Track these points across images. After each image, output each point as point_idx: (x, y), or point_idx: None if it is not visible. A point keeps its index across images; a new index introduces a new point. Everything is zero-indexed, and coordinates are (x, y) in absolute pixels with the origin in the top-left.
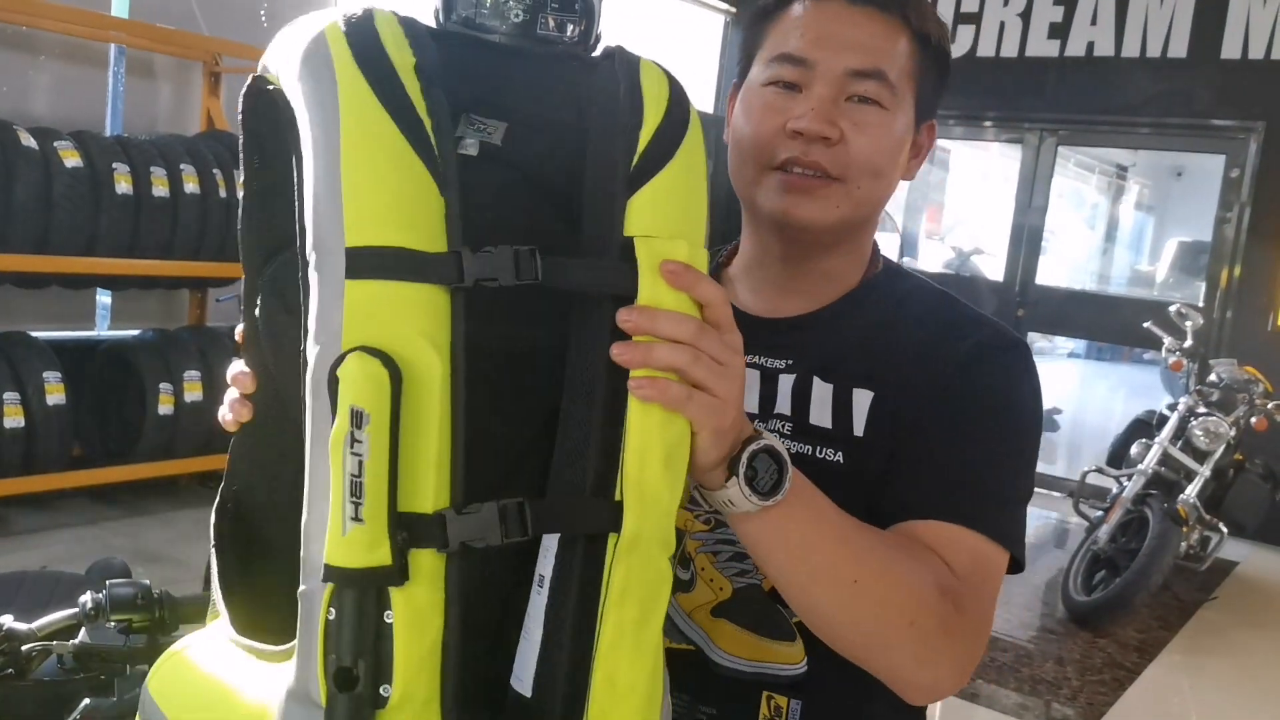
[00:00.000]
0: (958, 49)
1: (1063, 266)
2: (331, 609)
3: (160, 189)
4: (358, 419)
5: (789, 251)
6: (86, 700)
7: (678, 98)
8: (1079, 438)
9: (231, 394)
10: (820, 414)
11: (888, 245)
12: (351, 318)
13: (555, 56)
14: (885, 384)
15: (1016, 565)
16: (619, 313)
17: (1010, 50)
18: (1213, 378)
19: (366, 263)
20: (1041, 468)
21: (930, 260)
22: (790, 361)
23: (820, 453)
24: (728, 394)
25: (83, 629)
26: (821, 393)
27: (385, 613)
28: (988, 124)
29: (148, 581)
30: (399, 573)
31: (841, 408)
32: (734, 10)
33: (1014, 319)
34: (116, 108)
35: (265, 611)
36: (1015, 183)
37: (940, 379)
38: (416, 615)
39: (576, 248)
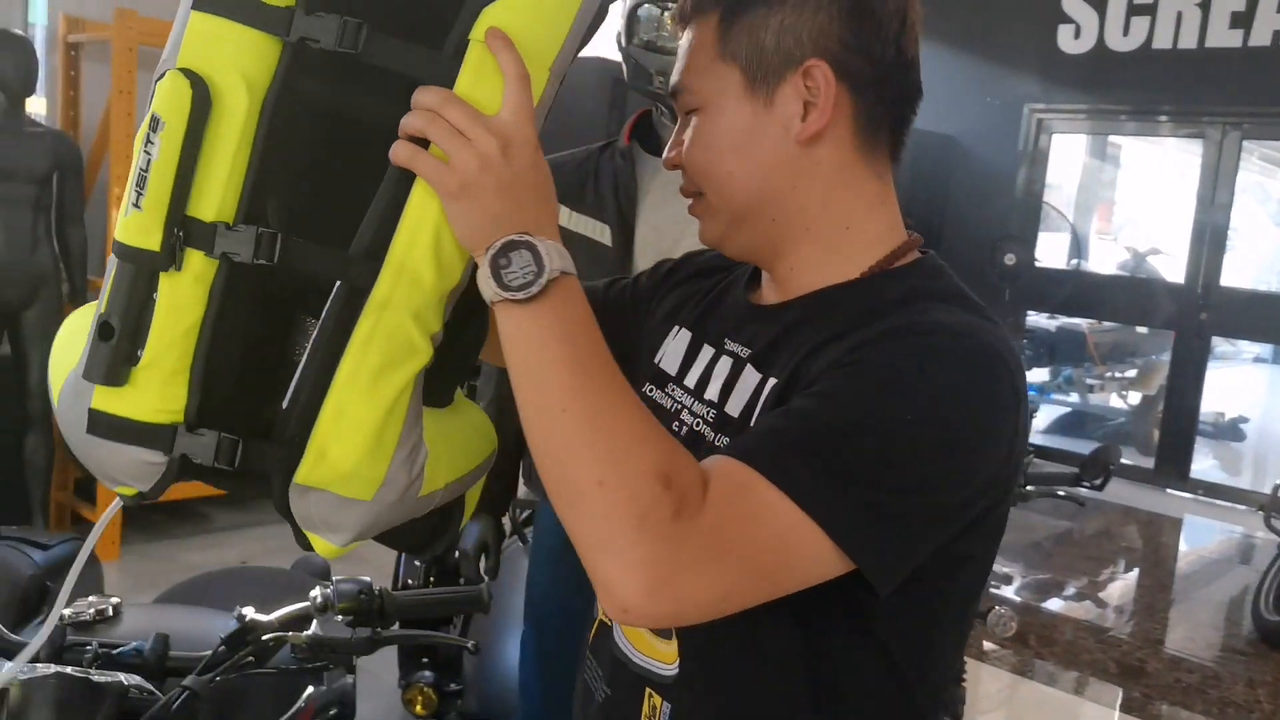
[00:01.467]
0: (1130, 42)
1: (1248, 267)
2: (114, 277)
3: None
4: (155, 124)
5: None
6: (310, 688)
7: None
8: (1266, 448)
9: None
10: (736, 403)
11: (1055, 245)
12: (188, 44)
13: None
14: (785, 370)
15: (872, 582)
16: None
17: (1189, 42)
18: None
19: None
20: (1225, 479)
21: (1103, 261)
22: (751, 350)
23: (718, 440)
24: (462, 163)
25: (314, 621)
26: (747, 382)
27: (154, 293)
28: (1163, 119)
29: (368, 578)
30: (165, 259)
31: (753, 398)
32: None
33: (1196, 322)
34: None
35: None
36: (1195, 179)
37: (835, 358)
38: (176, 300)
39: (427, 38)
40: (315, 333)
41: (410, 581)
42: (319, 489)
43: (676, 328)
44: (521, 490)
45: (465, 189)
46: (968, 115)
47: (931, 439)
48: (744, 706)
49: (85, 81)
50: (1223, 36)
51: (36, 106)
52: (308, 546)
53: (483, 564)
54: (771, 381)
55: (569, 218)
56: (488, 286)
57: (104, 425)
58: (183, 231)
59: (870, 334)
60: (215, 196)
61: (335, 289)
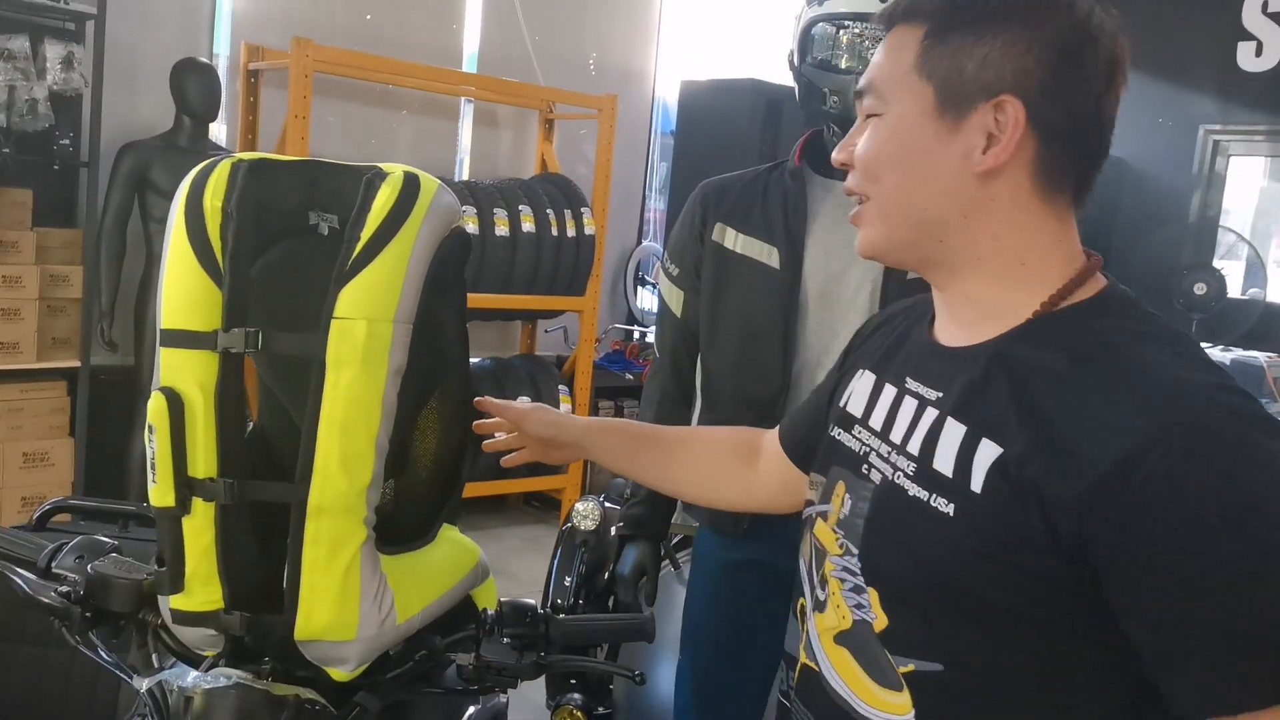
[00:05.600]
0: None
1: None
2: (158, 527)
3: (501, 229)
4: (150, 431)
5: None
6: (471, 709)
7: (398, 208)
8: None
9: None
10: (944, 459)
11: (1231, 272)
12: (164, 370)
13: (349, 171)
14: (1015, 444)
15: None
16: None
17: None
18: None
19: (167, 338)
20: None
21: None
22: (940, 395)
23: (934, 501)
24: None
25: (481, 643)
26: (952, 435)
27: (181, 530)
28: None
29: (533, 601)
30: (180, 508)
31: (965, 455)
32: None
33: None
34: (463, 155)
35: None
36: None
37: (1101, 476)
38: (196, 531)
39: (309, 324)
40: (289, 540)
41: (559, 601)
42: (315, 640)
43: (860, 371)
44: (677, 515)
45: None
46: (1139, 138)
47: None
48: None
49: (263, 106)
50: None
51: (216, 130)
52: (327, 676)
53: (641, 588)
54: (990, 446)
55: (735, 239)
56: None
57: (179, 616)
58: (187, 489)
59: (1165, 459)
60: (200, 462)
61: (292, 507)
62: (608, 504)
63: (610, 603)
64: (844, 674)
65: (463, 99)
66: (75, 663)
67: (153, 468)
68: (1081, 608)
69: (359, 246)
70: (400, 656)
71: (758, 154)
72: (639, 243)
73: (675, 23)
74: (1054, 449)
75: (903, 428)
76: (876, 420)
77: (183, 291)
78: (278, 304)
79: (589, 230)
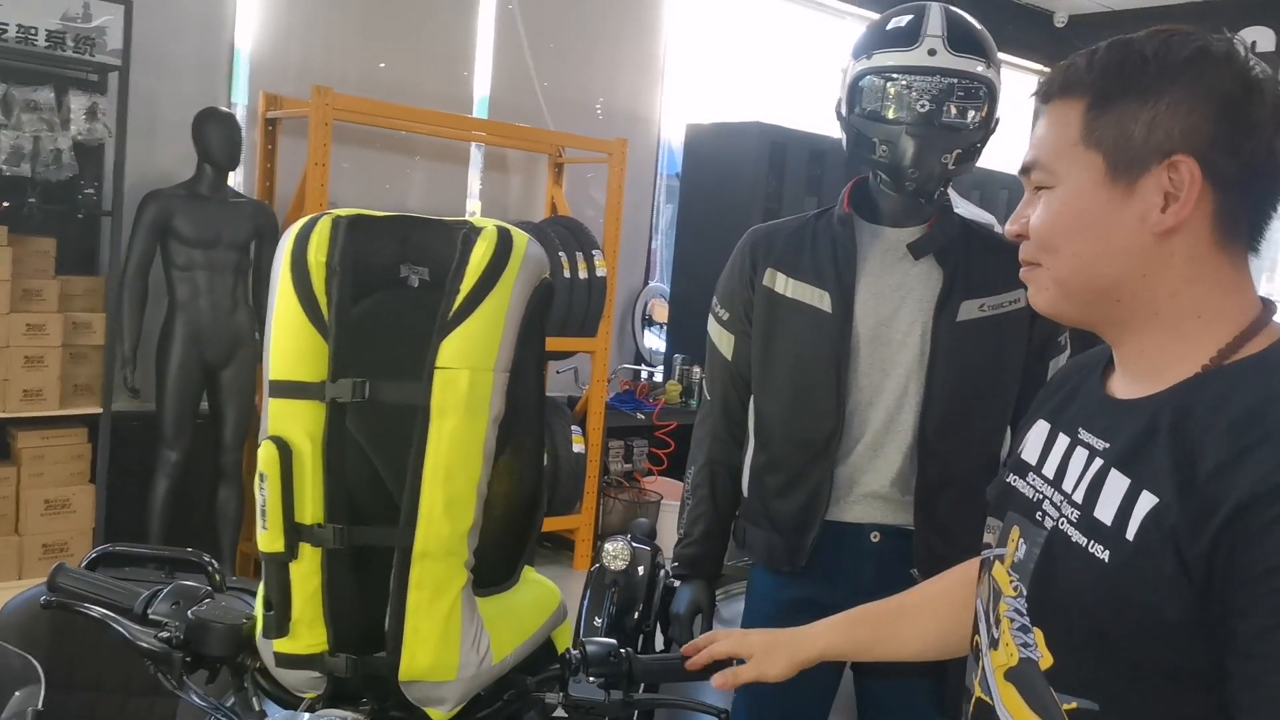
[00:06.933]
0: None
1: None
2: (265, 571)
3: None
4: (261, 479)
5: (1095, 333)
6: None
7: (495, 262)
8: None
9: None
10: (1105, 508)
11: None
12: (272, 419)
13: (440, 227)
14: (1166, 491)
15: None
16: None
17: None
18: None
19: (276, 389)
20: None
21: None
22: (1107, 446)
23: (1091, 547)
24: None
25: (569, 681)
26: (1115, 485)
27: (288, 575)
28: None
29: (614, 641)
30: (289, 554)
31: (1125, 506)
32: (1049, 72)
33: None
34: (474, 199)
35: None
36: None
37: (1229, 513)
38: (303, 576)
39: (412, 374)
40: (391, 583)
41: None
42: (417, 681)
43: (1038, 421)
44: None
45: None
46: None
47: None
48: None
49: (280, 153)
50: None
51: (235, 177)
52: (423, 716)
53: (696, 627)
54: (1148, 497)
55: (786, 284)
56: None
57: (284, 659)
58: (295, 535)
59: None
60: (308, 509)
61: (396, 551)
62: (635, 544)
63: (640, 642)
64: (1013, 710)
65: (473, 144)
66: (180, 710)
67: (263, 515)
68: (1205, 649)
69: (459, 299)
70: (490, 696)
71: (763, 195)
72: (646, 283)
73: (679, 67)
74: (1197, 493)
75: (1073, 477)
76: (1049, 469)
77: (290, 344)
78: (376, 354)
79: (600, 272)
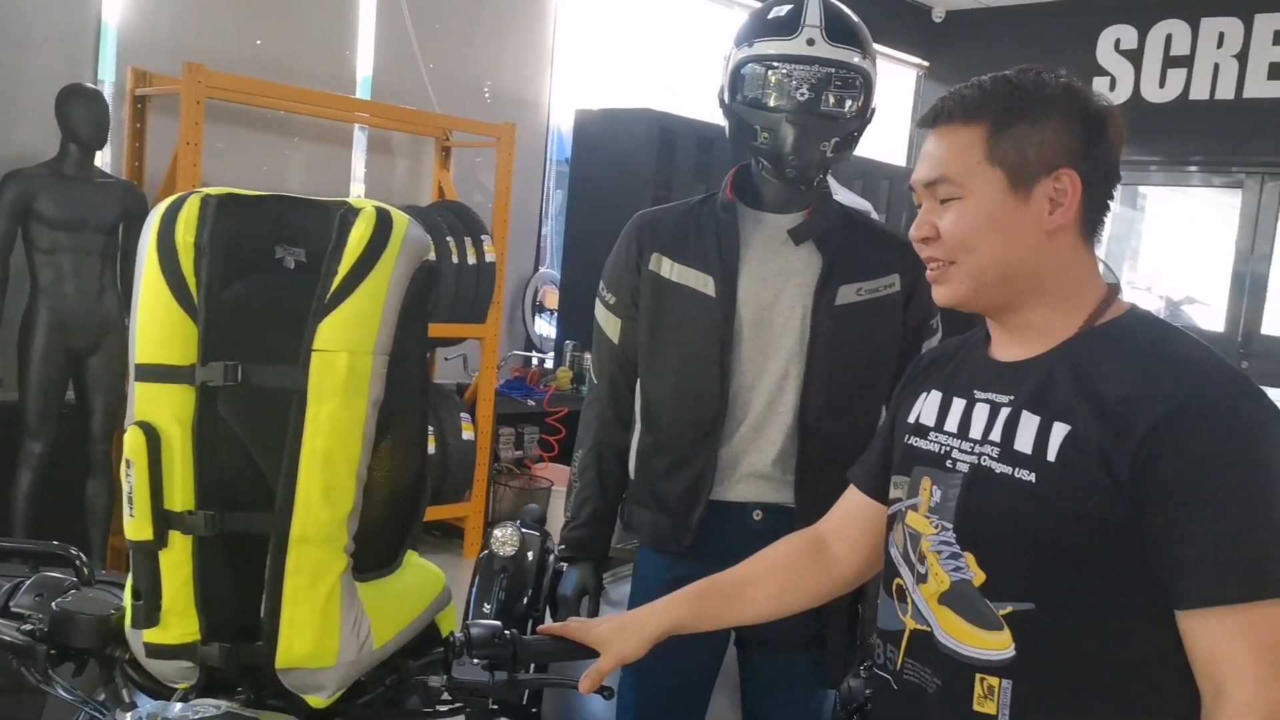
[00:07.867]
0: (1167, 94)
1: None
2: (132, 560)
3: None
4: (128, 465)
5: (986, 314)
6: None
7: (374, 243)
8: None
9: None
10: (1023, 441)
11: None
12: (139, 404)
13: (317, 207)
14: (1079, 420)
15: None
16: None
17: (1226, 93)
18: None
19: (143, 372)
20: None
21: None
22: (1011, 398)
23: (1017, 473)
24: None
25: (453, 663)
26: (1029, 424)
27: (158, 564)
28: (1193, 169)
29: (499, 623)
30: (158, 542)
31: (1041, 437)
32: (926, 65)
33: None
34: (357, 182)
35: None
36: (1234, 229)
37: (1145, 431)
38: (173, 565)
39: (288, 357)
40: (267, 570)
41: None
42: (295, 668)
43: (925, 392)
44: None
45: None
46: None
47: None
48: (1086, 675)
49: (150, 133)
50: (1261, 87)
51: (102, 157)
52: (301, 704)
53: (584, 609)
54: (1061, 427)
55: (672, 269)
56: None
57: (154, 650)
58: (164, 522)
59: (1186, 416)
60: (177, 495)
61: (272, 538)
62: (525, 530)
63: (530, 627)
64: (949, 628)
65: (356, 126)
66: (48, 707)
67: (130, 502)
68: (1137, 543)
69: (337, 280)
70: (371, 681)
71: (652, 181)
72: (536, 269)
73: (569, 51)
74: (1112, 418)
75: (980, 427)
76: (951, 425)
77: (158, 326)
78: (250, 337)
79: (489, 257)
